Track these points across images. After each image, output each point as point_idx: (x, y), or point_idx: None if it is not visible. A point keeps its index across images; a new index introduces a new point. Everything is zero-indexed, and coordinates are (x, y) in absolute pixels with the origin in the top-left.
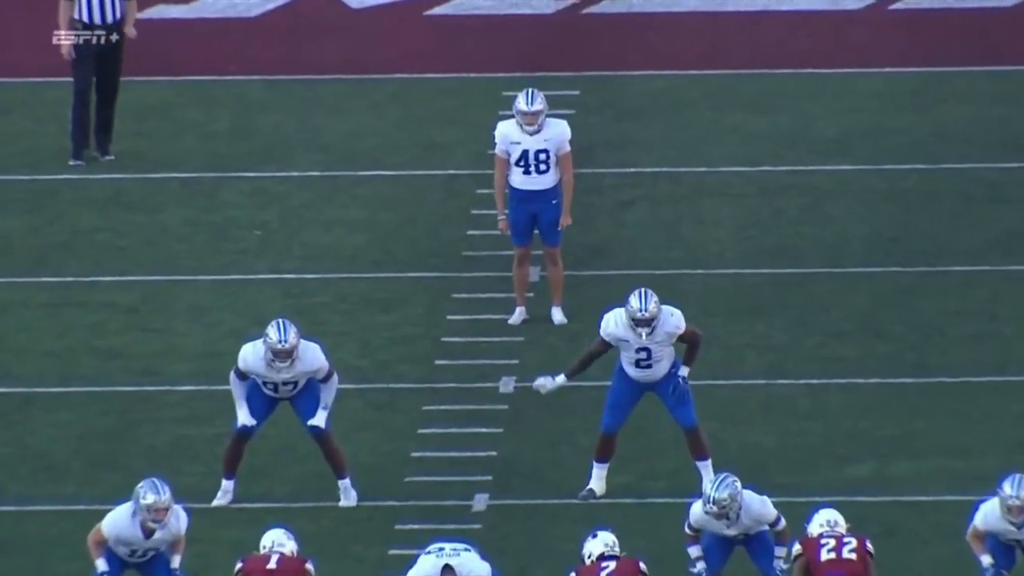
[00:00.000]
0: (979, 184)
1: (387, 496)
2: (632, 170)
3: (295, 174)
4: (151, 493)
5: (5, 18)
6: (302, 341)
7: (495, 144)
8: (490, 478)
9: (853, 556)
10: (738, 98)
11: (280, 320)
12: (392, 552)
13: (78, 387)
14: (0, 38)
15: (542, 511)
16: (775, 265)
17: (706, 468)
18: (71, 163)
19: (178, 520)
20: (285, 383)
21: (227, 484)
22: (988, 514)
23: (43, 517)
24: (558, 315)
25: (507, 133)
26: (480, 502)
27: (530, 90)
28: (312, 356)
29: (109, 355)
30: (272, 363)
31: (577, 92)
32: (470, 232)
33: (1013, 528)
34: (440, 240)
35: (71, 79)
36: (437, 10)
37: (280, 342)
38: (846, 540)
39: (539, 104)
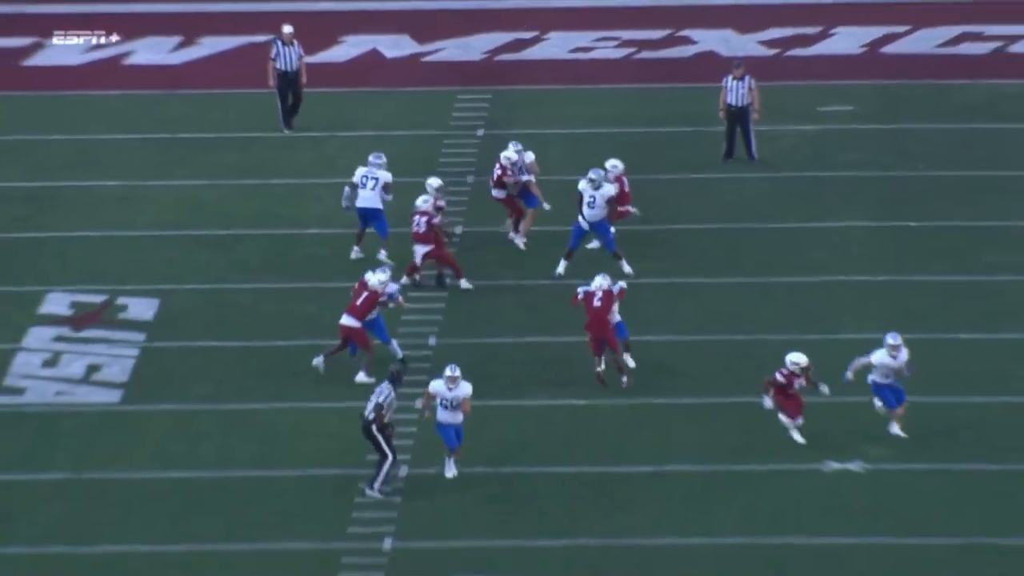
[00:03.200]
0: (681, 141)
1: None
2: (516, 131)
3: (354, 134)
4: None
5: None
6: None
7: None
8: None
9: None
10: (569, 101)
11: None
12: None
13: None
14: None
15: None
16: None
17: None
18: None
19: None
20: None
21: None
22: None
23: None
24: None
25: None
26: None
27: (513, 143)
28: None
29: None
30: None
31: (490, 96)
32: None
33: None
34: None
35: (277, 91)
36: (428, 59)
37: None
38: None
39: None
